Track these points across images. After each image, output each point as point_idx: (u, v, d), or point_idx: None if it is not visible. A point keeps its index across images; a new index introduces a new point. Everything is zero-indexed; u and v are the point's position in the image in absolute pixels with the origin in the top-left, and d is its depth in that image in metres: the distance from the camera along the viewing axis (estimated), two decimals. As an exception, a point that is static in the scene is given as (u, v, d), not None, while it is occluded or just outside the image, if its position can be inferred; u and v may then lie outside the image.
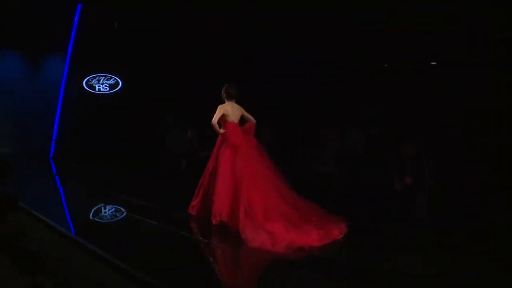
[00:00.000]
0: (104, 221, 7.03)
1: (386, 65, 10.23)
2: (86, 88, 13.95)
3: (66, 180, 10.62)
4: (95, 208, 7.57)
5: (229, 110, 6.18)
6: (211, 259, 5.20)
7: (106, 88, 14.16)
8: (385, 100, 9.27)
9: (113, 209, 7.68)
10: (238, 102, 6.39)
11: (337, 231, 5.39)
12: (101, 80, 14.10)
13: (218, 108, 6.15)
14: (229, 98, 6.29)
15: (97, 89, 14.06)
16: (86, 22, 13.40)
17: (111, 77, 14.23)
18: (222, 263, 5.18)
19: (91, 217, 7.08)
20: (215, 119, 6.08)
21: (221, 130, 6.20)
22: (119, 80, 14.31)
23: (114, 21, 13.10)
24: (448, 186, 6.82)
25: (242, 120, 6.43)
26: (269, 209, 5.55)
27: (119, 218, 7.27)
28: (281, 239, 5.03)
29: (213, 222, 5.82)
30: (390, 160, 6.94)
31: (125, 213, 7.34)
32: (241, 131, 6.22)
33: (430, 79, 8.73)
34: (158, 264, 4.68)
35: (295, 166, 8.64)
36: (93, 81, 14.02)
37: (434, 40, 8.52)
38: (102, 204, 7.81)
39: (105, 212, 7.49)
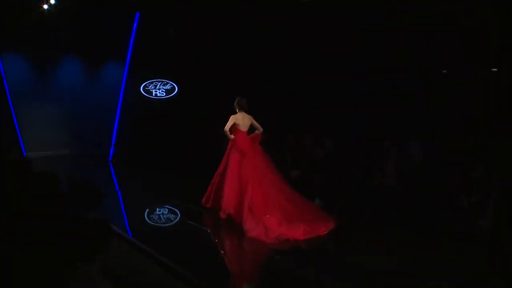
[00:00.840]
0: (158, 224, 7.37)
1: (444, 71, 9.85)
2: (143, 93, 14.37)
3: (124, 184, 10.93)
4: (150, 212, 7.93)
5: (240, 119, 7.09)
6: (220, 247, 6.44)
7: (163, 93, 14.53)
8: (446, 110, 8.96)
9: (166, 213, 7.99)
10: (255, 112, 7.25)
11: (323, 229, 6.19)
12: (158, 86, 14.47)
13: (231, 117, 7.07)
14: (241, 109, 7.19)
15: (153, 94, 14.46)
16: (144, 29, 13.81)
17: (167, 83, 14.58)
18: (228, 249, 6.40)
19: (146, 220, 7.41)
20: (227, 127, 7.01)
21: (232, 136, 7.08)
22: (175, 86, 14.63)
23: (169, 28, 13.36)
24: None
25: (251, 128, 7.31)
26: (269, 205, 6.39)
27: (171, 222, 7.59)
28: (273, 232, 5.98)
29: (222, 216, 6.73)
30: (454, 175, 6.74)
31: (176, 218, 7.71)
32: (249, 139, 7.14)
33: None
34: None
35: (355, 177, 8.49)
36: (150, 86, 14.41)
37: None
38: (157, 208, 8.14)
39: (158, 217, 7.80)
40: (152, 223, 7.36)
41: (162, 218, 7.72)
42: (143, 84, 14.37)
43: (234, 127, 7.10)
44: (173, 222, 7.59)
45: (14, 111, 12.94)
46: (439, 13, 8.25)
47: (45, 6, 11.79)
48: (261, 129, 7.23)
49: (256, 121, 7.32)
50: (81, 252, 2.68)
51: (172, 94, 14.64)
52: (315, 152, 9.20)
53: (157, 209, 8.13)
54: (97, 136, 14.24)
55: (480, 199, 6.28)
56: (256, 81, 12.06)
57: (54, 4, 11.47)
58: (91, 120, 14.24)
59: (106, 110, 14.23)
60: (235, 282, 5.17)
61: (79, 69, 14.58)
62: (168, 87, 14.60)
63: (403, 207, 7.05)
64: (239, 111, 7.18)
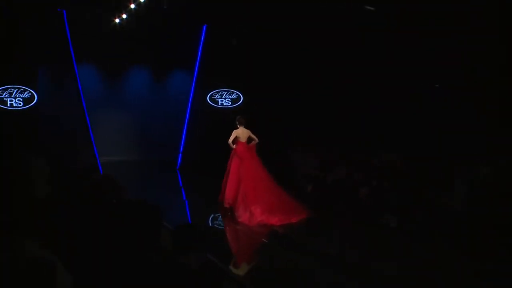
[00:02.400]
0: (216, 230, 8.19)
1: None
2: (210, 102, 14.54)
3: (191, 192, 11.21)
4: (212, 220, 8.66)
5: (240, 133, 8.93)
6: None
7: (228, 103, 14.63)
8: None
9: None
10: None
11: (295, 218, 8.01)
12: (224, 95, 14.60)
13: (233, 132, 8.91)
14: (240, 124, 9.02)
15: (219, 104, 14.58)
16: (210, 40, 14.04)
17: (233, 92, 14.67)
18: (227, 229, 8.27)
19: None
20: (230, 139, 8.87)
21: (234, 146, 8.89)
22: (241, 95, 14.70)
23: (233, 38, 13.46)
24: None
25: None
26: (258, 198, 8.18)
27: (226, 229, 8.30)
28: (255, 219, 7.91)
29: (225, 205, 8.67)
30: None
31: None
32: (247, 148, 8.94)
33: None
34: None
35: (422, 200, 8.07)
36: (216, 96, 14.57)
37: None
38: (219, 217, 8.82)
39: (218, 224, 8.62)
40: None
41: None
42: (210, 94, 14.57)
43: (235, 139, 8.89)
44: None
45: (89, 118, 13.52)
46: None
47: (117, 20, 12.22)
48: (257, 140, 9.06)
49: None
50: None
51: (238, 103, 14.72)
52: (384, 171, 8.86)
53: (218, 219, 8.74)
54: (165, 143, 14.60)
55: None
56: (322, 92, 11.86)
57: (125, 18, 11.83)
58: (159, 127, 14.64)
59: (173, 118, 14.60)
60: (233, 253, 7.02)
61: (148, 79, 15.12)
62: (233, 96, 14.71)
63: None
64: (239, 126, 9.01)
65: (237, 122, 9.03)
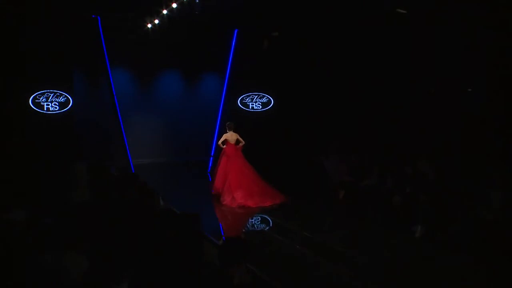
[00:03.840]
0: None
1: None
2: (240, 106, 14.64)
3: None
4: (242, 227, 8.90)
5: (229, 136, 10.80)
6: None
7: (259, 106, 14.68)
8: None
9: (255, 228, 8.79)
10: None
11: (269, 202, 9.85)
12: (254, 99, 14.67)
13: (223, 135, 10.85)
14: (230, 129, 10.82)
15: (250, 107, 14.66)
16: (241, 44, 14.16)
17: (263, 96, 14.72)
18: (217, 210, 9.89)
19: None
20: (220, 141, 10.92)
21: (223, 146, 10.82)
22: (271, 99, 14.74)
23: (264, 41, 13.51)
24: None
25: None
26: (240, 186, 10.06)
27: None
28: (236, 201, 9.81)
29: (213, 192, 10.70)
30: None
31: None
32: (234, 148, 10.76)
33: None
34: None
35: (454, 209, 7.87)
36: (247, 99, 14.66)
37: None
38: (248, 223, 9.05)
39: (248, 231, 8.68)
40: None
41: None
42: (240, 97, 14.66)
43: (225, 141, 10.79)
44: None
45: (122, 121, 13.78)
46: None
47: (149, 25, 12.43)
48: (243, 142, 10.85)
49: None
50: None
51: (268, 107, 14.76)
52: (418, 179, 8.68)
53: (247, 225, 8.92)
54: (196, 147, 14.74)
55: None
56: (354, 97, 11.77)
57: (157, 23, 12.02)
58: (190, 131, 14.77)
59: (204, 121, 14.72)
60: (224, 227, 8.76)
61: (180, 83, 15.27)
62: (264, 100, 14.76)
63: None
64: (228, 131, 10.83)
65: (227, 128, 10.87)
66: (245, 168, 10.56)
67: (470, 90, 10.39)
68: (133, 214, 4.32)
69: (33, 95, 12.00)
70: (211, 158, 14.52)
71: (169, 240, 3.67)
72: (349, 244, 7.44)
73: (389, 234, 7.76)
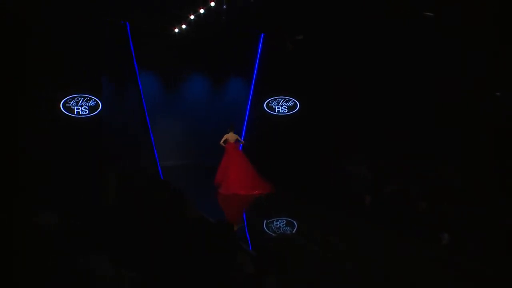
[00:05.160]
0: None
1: None
2: (266, 109, 14.68)
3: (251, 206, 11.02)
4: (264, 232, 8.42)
5: (229, 136, 12.07)
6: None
7: (285, 110, 14.71)
8: None
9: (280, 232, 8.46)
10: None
11: (257, 192, 11.20)
12: (280, 102, 14.72)
13: (224, 136, 12.04)
14: (231, 130, 12.10)
15: (276, 111, 14.70)
16: (267, 48, 14.26)
17: (289, 99, 14.74)
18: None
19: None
20: (221, 141, 12.07)
21: (224, 145, 12.06)
22: (297, 102, 14.76)
23: (290, 44, 13.57)
24: None
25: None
26: (237, 178, 11.44)
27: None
28: (230, 190, 11.29)
29: (214, 183, 11.84)
30: None
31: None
32: (234, 146, 12.17)
33: None
34: None
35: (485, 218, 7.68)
36: (273, 103, 14.71)
37: None
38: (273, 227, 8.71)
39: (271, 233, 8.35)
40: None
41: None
42: (266, 101, 14.71)
43: (226, 140, 12.08)
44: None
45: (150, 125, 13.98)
46: None
47: (176, 30, 12.60)
48: (242, 141, 12.69)
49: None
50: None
51: (294, 111, 14.79)
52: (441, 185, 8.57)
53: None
54: (222, 150, 14.79)
55: None
56: (380, 101, 11.67)
57: (185, 28, 12.18)
58: (217, 134, 14.79)
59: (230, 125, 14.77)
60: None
61: (207, 87, 15.38)
62: (290, 103, 14.78)
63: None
64: (229, 131, 12.09)
65: (228, 129, 12.19)
66: (243, 163, 11.97)
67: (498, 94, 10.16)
68: (165, 221, 4.38)
69: (64, 99, 12.29)
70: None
71: (203, 248, 3.71)
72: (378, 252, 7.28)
73: (414, 241, 7.60)
